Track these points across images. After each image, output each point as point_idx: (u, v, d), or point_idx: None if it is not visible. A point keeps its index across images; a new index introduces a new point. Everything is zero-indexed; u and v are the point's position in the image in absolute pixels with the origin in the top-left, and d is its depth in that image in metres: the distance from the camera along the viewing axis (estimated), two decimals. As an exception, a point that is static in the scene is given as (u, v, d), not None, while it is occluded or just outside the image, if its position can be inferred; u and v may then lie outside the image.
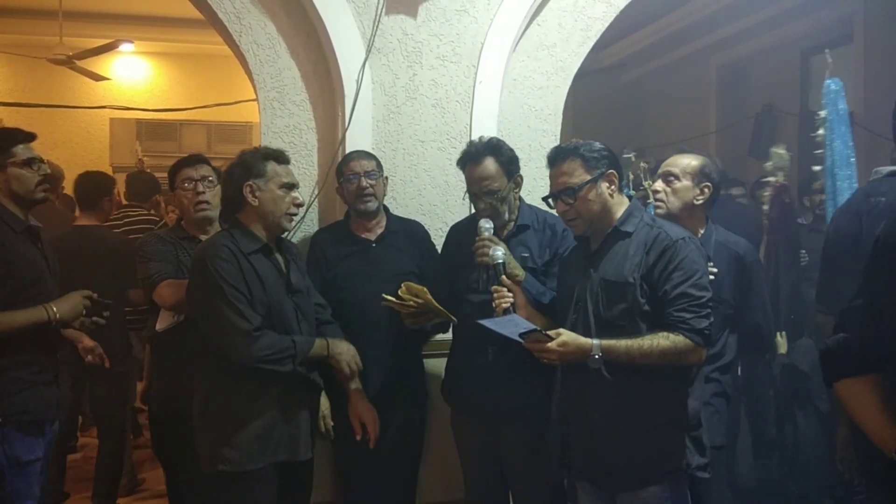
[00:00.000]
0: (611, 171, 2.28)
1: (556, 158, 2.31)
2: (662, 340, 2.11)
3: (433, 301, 2.52)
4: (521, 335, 2.15)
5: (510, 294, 2.37)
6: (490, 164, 2.60)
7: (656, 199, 2.74)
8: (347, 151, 3.00)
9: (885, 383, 1.54)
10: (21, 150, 2.51)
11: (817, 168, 3.26)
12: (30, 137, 2.58)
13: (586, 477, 2.32)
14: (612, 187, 2.28)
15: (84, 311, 2.57)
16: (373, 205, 2.86)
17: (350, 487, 2.90)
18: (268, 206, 2.44)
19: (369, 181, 2.83)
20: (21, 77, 8.16)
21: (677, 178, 2.71)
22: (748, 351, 2.93)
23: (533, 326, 2.15)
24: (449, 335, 2.90)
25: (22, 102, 7.45)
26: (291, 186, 2.49)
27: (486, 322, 2.29)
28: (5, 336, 2.38)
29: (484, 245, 2.49)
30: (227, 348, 2.35)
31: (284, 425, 2.42)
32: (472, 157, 2.63)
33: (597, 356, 2.11)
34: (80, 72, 6.94)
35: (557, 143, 3.35)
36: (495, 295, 2.38)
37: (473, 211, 2.79)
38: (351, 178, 2.84)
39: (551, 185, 2.34)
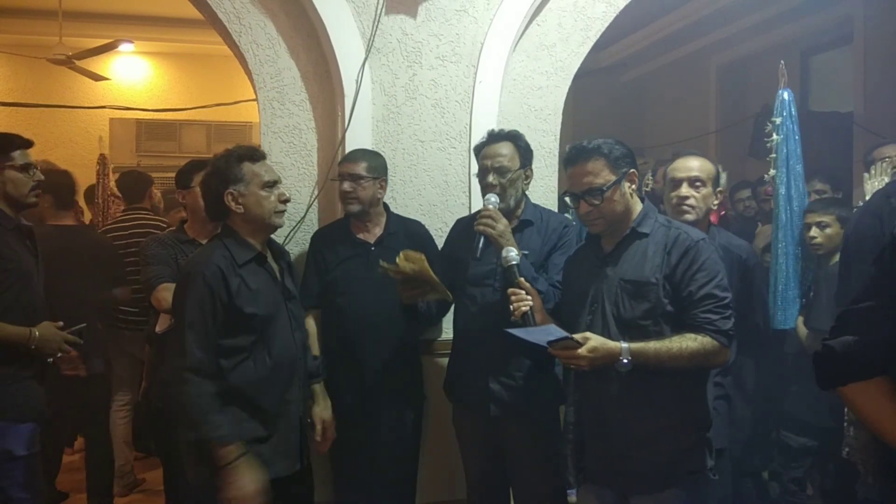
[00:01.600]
0: (632, 170, 2.23)
1: (579, 157, 2.21)
2: (691, 343, 2.07)
3: (429, 270, 2.47)
4: (549, 342, 2.06)
5: (529, 297, 2.29)
6: (506, 146, 2.64)
7: (685, 206, 2.65)
8: (347, 151, 3.00)
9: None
10: (19, 156, 2.62)
11: (772, 172, 3.49)
12: (27, 144, 2.67)
13: (602, 480, 2.25)
14: (633, 187, 2.24)
15: (61, 343, 2.65)
16: (354, 207, 2.84)
17: (348, 488, 2.90)
18: (254, 211, 2.35)
19: (354, 185, 2.82)
20: (21, 77, 8.16)
21: (703, 183, 2.66)
22: (748, 353, 2.93)
23: (565, 334, 2.05)
24: (450, 334, 2.90)
25: (22, 102, 7.45)
26: (273, 184, 2.39)
27: (516, 331, 2.19)
28: None
29: (488, 216, 2.47)
30: (187, 362, 2.21)
31: (274, 443, 2.35)
32: (490, 139, 2.67)
33: (626, 360, 2.06)
34: (80, 72, 6.94)
35: (557, 143, 3.35)
36: (512, 297, 2.30)
37: (473, 211, 2.79)
38: (342, 178, 2.85)
39: (572, 185, 2.24)
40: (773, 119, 3.50)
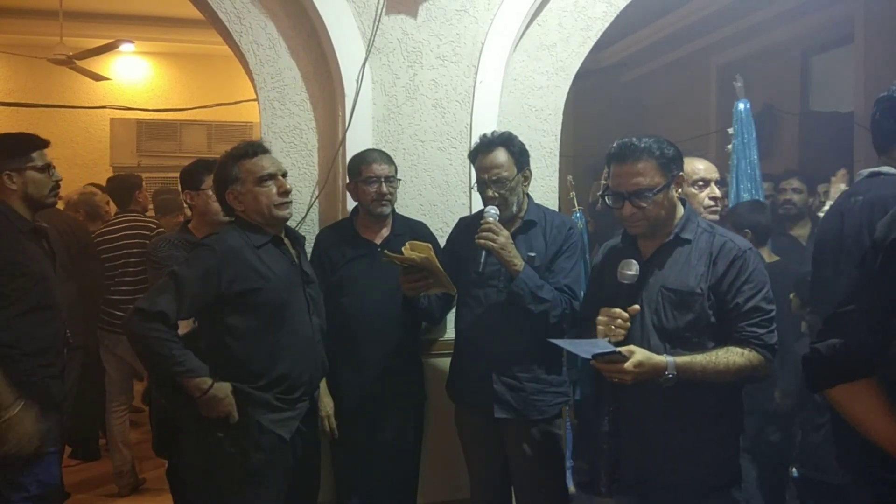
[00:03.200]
0: (681, 173, 2.13)
1: (629, 156, 2.08)
2: (738, 358, 2.00)
3: (436, 260, 2.45)
4: (594, 356, 1.97)
5: (628, 324, 2.07)
6: (501, 154, 2.60)
7: (715, 206, 2.68)
8: (348, 151, 3.00)
9: (885, 386, 1.54)
10: (38, 156, 2.66)
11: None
12: (44, 144, 2.71)
13: (639, 492, 2.17)
14: (680, 190, 2.16)
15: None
16: (387, 209, 2.88)
17: (350, 489, 2.90)
18: (252, 206, 2.43)
19: (390, 187, 2.84)
20: (21, 77, 8.16)
21: (721, 184, 2.76)
22: None
23: (613, 348, 1.97)
24: (452, 334, 2.90)
25: (22, 102, 7.45)
26: (270, 176, 2.43)
27: (560, 342, 2.11)
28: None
29: (489, 229, 2.46)
30: (140, 303, 2.30)
31: (283, 416, 2.44)
32: (483, 147, 2.64)
33: (671, 375, 1.97)
34: (81, 72, 6.94)
35: (558, 143, 3.35)
36: (615, 322, 2.06)
37: (475, 211, 2.78)
38: (371, 180, 2.82)
39: (618, 184, 2.11)
40: (729, 130, 3.75)
